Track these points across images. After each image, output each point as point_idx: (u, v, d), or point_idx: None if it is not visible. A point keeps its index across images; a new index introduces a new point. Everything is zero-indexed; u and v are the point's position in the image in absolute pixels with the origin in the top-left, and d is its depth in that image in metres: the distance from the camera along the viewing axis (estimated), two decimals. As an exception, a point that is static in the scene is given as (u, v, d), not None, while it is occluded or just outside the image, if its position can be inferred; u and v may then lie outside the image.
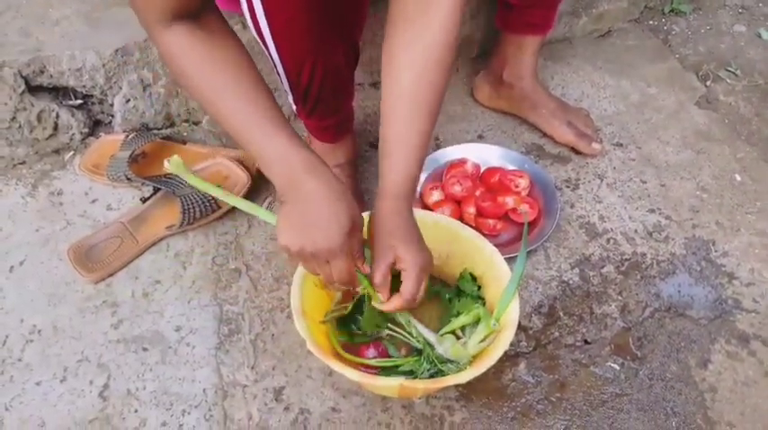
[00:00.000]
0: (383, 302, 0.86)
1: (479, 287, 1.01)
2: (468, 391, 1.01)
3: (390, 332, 0.95)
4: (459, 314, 0.97)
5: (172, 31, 0.77)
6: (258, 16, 0.85)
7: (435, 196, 1.24)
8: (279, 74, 0.99)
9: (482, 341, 0.91)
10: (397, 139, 0.85)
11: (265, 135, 0.78)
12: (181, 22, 0.76)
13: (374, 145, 1.37)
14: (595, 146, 1.34)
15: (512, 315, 0.90)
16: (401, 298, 0.84)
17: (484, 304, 0.99)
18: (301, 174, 0.77)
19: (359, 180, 1.27)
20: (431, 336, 0.93)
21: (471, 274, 1.02)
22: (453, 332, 0.95)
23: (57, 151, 1.31)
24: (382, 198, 0.86)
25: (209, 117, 1.36)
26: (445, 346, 0.92)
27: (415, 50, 0.82)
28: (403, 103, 0.84)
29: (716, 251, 1.21)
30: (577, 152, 1.36)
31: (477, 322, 0.94)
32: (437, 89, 0.84)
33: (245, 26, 1.24)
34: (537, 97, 1.38)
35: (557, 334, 1.09)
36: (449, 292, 1.03)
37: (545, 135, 1.39)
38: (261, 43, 0.92)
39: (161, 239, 1.17)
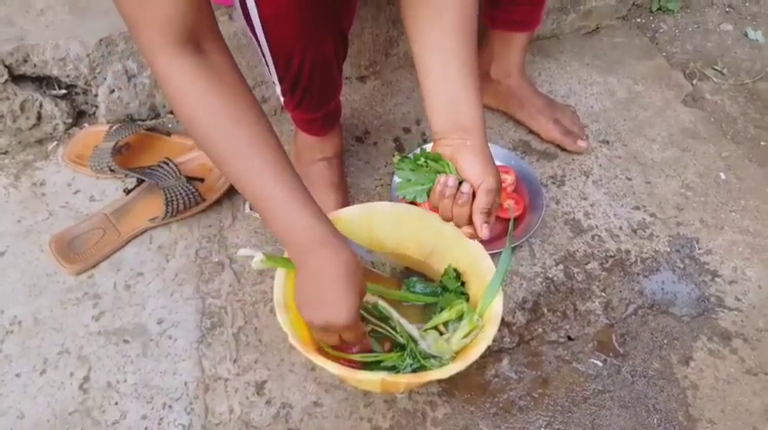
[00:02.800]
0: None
1: (463, 283, 1.01)
2: (450, 387, 1.01)
3: (374, 327, 0.95)
4: (442, 310, 0.97)
5: (178, 65, 0.73)
6: (249, 5, 0.84)
7: (421, 191, 1.24)
8: (267, 64, 0.98)
9: (465, 336, 0.91)
10: (463, 81, 0.86)
11: (281, 202, 0.78)
12: (186, 52, 0.73)
13: (361, 139, 1.37)
14: (581, 143, 1.34)
15: (495, 310, 0.90)
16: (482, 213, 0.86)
17: (468, 300, 0.99)
18: (314, 246, 0.79)
19: (345, 174, 1.26)
20: (414, 332, 0.93)
21: (455, 270, 1.02)
22: (436, 327, 0.95)
23: (40, 141, 1.29)
24: (476, 135, 0.86)
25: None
26: (428, 342, 0.92)
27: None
28: (447, 39, 0.85)
29: (699, 249, 1.21)
30: (563, 149, 1.36)
31: (460, 318, 0.94)
32: (473, 21, 0.86)
33: (231, 17, 1.23)
34: (524, 94, 1.38)
35: (540, 330, 1.09)
36: (432, 287, 1.03)
37: (531, 131, 1.39)
38: (250, 32, 0.91)
39: (144, 231, 1.16)
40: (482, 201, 0.85)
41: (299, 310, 0.83)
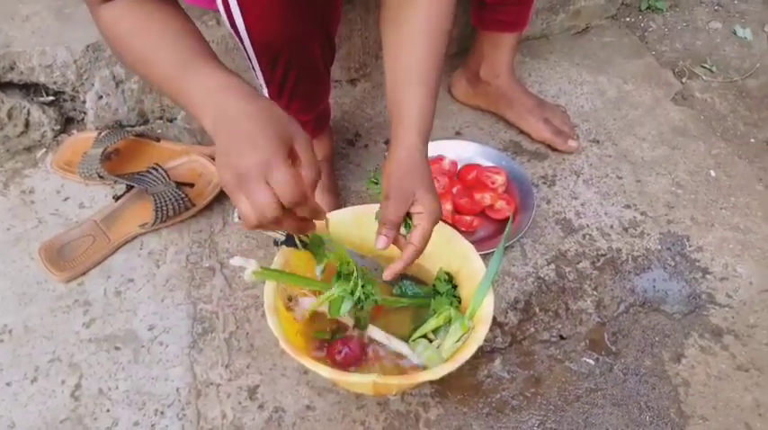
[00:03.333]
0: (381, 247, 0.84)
1: (455, 286, 1.01)
2: (443, 388, 1.01)
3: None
4: (434, 312, 0.97)
5: (110, 4, 0.76)
6: (232, 8, 0.84)
7: (412, 193, 1.24)
8: (254, 68, 0.98)
9: (458, 341, 0.91)
10: (409, 83, 0.86)
11: (189, 76, 0.71)
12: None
13: (351, 142, 1.37)
14: (571, 143, 1.34)
15: (486, 311, 0.90)
16: (412, 246, 0.83)
17: (459, 302, 0.99)
18: (227, 99, 0.68)
19: (336, 176, 1.26)
20: (403, 348, 0.93)
21: (447, 273, 1.02)
22: (425, 336, 0.95)
23: (28, 149, 1.29)
24: (399, 140, 0.86)
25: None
26: (418, 352, 0.92)
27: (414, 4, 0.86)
28: (409, 49, 0.87)
29: (690, 246, 1.22)
30: (554, 149, 1.36)
31: (448, 323, 0.94)
32: (442, 35, 0.88)
33: (219, 22, 1.23)
34: (513, 94, 1.38)
35: (532, 329, 1.09)
36: (424, 290, 1.03)
37: (522, 132, 1.39)
38: (235, 36, 0.91)
39: (134, 237, 1.16)
40: (382, 212, 0.86)
41: (220, 177, 0.67)
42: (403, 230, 0.87)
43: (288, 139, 0.66)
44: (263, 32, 0.89)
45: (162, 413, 0.97)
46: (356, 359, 0.94)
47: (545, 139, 1.36)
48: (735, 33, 1.69)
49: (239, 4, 0.84)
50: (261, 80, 1.01)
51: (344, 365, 0.93)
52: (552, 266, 1.17)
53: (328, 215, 1.01)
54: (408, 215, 0.85)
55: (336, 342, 0.95)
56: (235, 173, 0.64)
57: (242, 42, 0.92)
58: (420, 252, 0.85)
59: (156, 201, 1.13)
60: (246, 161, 0.63)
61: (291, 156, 0.66)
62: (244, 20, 0.86)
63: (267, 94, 1.06)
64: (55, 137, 1.30)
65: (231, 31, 0.90)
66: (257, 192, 0.64)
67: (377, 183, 0.91)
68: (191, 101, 0.71)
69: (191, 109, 0.72)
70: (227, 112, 0.67)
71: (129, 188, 1.19)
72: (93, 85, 1.25)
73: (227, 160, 0.65)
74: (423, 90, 0.87)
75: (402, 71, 0.88)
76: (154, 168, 1.18)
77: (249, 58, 0.96)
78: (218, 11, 0.87)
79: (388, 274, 0.86)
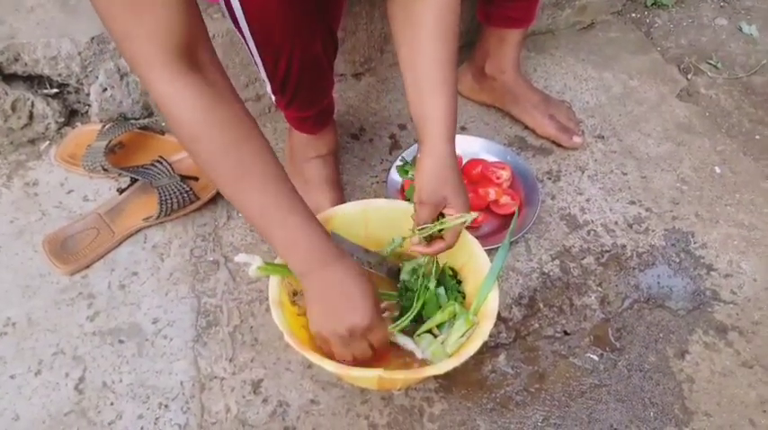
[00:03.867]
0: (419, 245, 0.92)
1: (460, 282, 1.01)
2: (447, 383, 1.01)
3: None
4: (440, 307, 0.97)
5: (178, 87, 0.70)
6: (233, 3, 0.84)
7: (416, 188, 1.23)
8: (256, 63, 0.98)
9: (462, 336, 0.91)
10: (432, 86, 0.88)
11: (283, 220, 0.79)
12: (184, 70, 0.70)
13: (356, 136, 1.36)
14: (576, 139, 1.34)
15: (492, 306, 0.90)
16: (443, 242, 0.90)
17: (464, 298, 0.98)
18: (322, 263, 0.81)
19: (340, 171, 1.26)
20: (408, 342, 0.92)
21: (452, 269, 1.01)
22: (430, 331, 0.95)
23: (32, 141, 1.28)
24: (428, 147, 0.89)
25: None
26: (423, 347, 0.92)
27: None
28: (427, 53, 0.88)
29: (695, 243, 1.21)
30: (559, 145, 1.35)
31: (453, 318, 0.93)
32: (455, 33, 0.89)
33: (224, 15, 1.22)
34: (519, 90, 1.38)
35: (536, 325, 1.09)
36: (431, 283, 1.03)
37: (527, 127, 1.38)
38: (237, 31, 0.91)
39: (138, 231, 1.16)
40: (416, 215, 0.92)
41: (316, 330, 0.85)
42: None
43: (377, 299, 0.83)
44: (264, 26, 0.89)
45: (166, 406, 0.97)
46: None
47: (550, 135, 1.35)
48: (740, 30, 1.68)
49: None
50: (263, 75, 1.01)
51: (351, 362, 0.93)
52: (557, 262, 1.17)
53: (334, 209, 1.01)
54: (441, 215, 0.91)
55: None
56: (335, 331, 0.82)
57: (243, 37, 0.91)
58: (449, 247, 0.92)
59: (160, 194, 1.13)
60: (354, 325, 0.81)
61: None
62: (244, 13, 0.86)
63: (270, 90, 1.06)
64: (59, 129, 1.30)
65: (233, 25, 0.90)
66: (359, 348, 0.84)
67: (407, 172, 1.05)
68: (280, 243, 0.81)
69: (278, 249, 0.83)
70: (327, 272, 0.81)
71: (134, 181, 1.19)
72: (97, 77, 1.24)
73: (330, 318, 0.82)
74: (445, 93, 0.89)
75: (423, 77, 0.89)
76: (158, 161, 1.18)
77: (251, 53, 0.95)
78: (220, 4, 0.87)
79: (411, 249, 0.93)
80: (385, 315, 0.95)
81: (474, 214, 0.91)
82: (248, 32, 0.89)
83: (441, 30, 0.88)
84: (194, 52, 0.71)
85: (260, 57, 0.95)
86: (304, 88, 1.03)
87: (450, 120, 0.89)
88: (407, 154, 1.25)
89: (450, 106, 0.89)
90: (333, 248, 0.82)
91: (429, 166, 0.89)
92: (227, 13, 0.87)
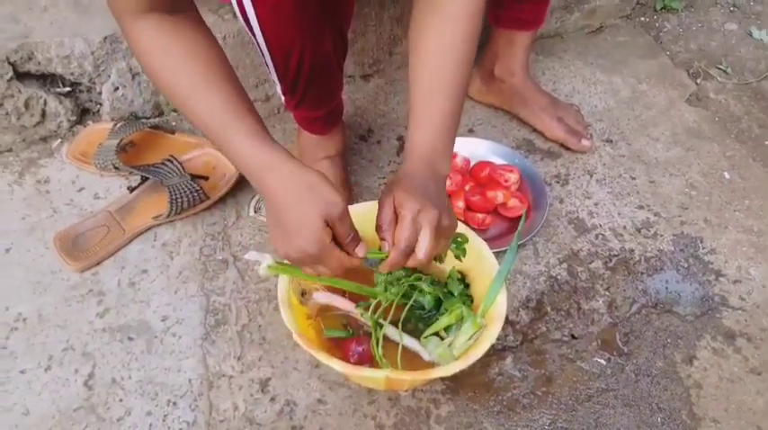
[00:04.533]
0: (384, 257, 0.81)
1: (467, 285, 1.01)
2: (454, 385, 1.01)
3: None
4: (446, 311, 0.97)
5: (142, 24, 0.76)
6: (245, 3, 0.84)
7: (425, 189, 1.24)
8: (267, 64, 0.98)
9: (470, 339, 0.91)
10: (422, 107, 0.86)
11: (230, 137, 0.77)
12: (152, 14, 0.76)
13: (364, 137, 1.37)
14: (585, 143, 1.34)
15: (500, 309, 0.90)
16: (396, 249, 0.79)
17: (472, 301, 0.99)
18: (264, 174, 0.76)
19: (349, 172, 1.26)
20: (415, 344, 0.93)
21: (460, 272, 1.01)
22: (437, 333, 0.95)
23: (44, 139, 1.29)
24: (404, 162, 0.86)
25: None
26: (430, 349, 0.92)
27: (439, 22, 0.84)
28: (427, 72, 0.85)
29: (704, 248, 1.21)
30: (567, 148, 1.36)
31: (460, 321, 0.94)
32: (463, 59, 0.86)
33: (236, 16, 1.23)
34: (528, 93, 1.38)
35: (544, 328, 1.09)
36: (437, 289, 1.03)
37: (535, 130, 1.38)
38: (248, 31, 0.91)
39: (148, 229, 1.16)
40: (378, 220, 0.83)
41: (273, 245, 0.79)
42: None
43: (328, 217, 0.74)
44: (276, 27, 0.89)
45: (174, 404, 0.97)
46: (370, 358, 0.94)
47: (558, 138, 1.35)
48: (750, 35, 1.68)
49: None
50: (274, 76, 1.02)
51: (358, 364, 0.93)
52: (564, 266, 1.17)
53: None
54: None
55: (351, 341, 0.95)
56: (289, 256, 0.78)
57: (254, 37, 0.92)
58: (406, 252, 0.80)
59: (170, 192, 1.14)
60: (296, 249, 0.76)
61: (328, 223, 0.75)
62: (256, 13, 0.86)
63: (280, 90, 1.06)
64: (71, 127, 1.31)
65: (244, 25, 0.90)
66: (312, 270, 0.80)
67: None
68: (235, 163, 0.80)
69: (229, 158, 0.81)
70: (267, 189, 0.76)
71: (144, 179, 1.20)
72: (109, 76, 1.25)
73: (280, 241, 0.78)
74: (438, 111, 0.85)
75: (420, 85, 0.86)
76: (169, 160, 1.19)
77: (262, 53, 0.96)
78: (232, 3, 0.87)
79: (383, 268, 0.83)
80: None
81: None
82: (259, 33, 0.89)
83: (455, 45, 0.85)
84: (167, 8, 0.77)
85: (270, 57, 0.95)
86: (314, 89, 1.03)
87: (435, 143, 0.85)
88: None
89: (440, 127, 0.86)
90: (283, 158, 0.76)
91: (406, 178, 0.82)
92: (238, 14, 0.88)
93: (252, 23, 0.88)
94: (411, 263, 0.81)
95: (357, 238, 0.80)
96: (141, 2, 0.75)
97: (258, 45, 0.93)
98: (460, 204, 1.21)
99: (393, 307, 0.94)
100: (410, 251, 0.80)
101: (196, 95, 0.78)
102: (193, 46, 0.79)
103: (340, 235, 0.77)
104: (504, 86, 1.39)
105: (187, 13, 0.80)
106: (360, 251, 0.80)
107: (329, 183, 0.76)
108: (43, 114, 1.26)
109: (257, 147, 0.77)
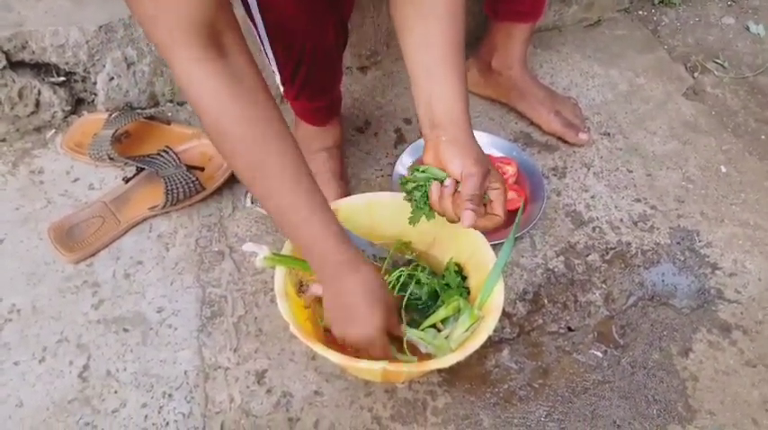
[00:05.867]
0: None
1: (464, 278, 1.01)
2: (451, 377, 1.01)
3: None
4: (443, 303, 0.97)
5: (201, 71, 0.70)
6: None
7: (422, 182, 1.23)
8: (266, 53, 0.98)
9: (466, 330, 0.91)
10: (445, 74, 0.85)
11: (304, 218, 0.79)
12: (209, 53, 0.69)
13: (361, 129, 1.36)
14: (582, 136, 1.34)
15: (496, 301, 0.90)
16: (498, 217, 0.86)
17: (469, 294, 0.98)
18: (343, 269, 0.82)
19: (345, 164, 1.26)
20: (412, 336, 0.92)
21: (457, 264, 1.01)
22: (434, 325, 0.95)
23: (38, 129, 1.28)
24: (446, 130, 0.85)
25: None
26: (427, 341, 0.92)
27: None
28: (434, 39, 0.85)
29: (700, 241, 1.21)
30: (565, 141, 1.35)
31: (457, 313, 0.93)
32: (463, 19, 0.87)
33: (237, 4, 1.22)
34: (525, 86, 1.37)
35: (540, 321, 1.09)
36: (435, 281, 1.03)
37: (533, 123, 1.38)
38: (249, 20, 0.91)
39: (144, 220, 1.16)
40: (464, 188, 0.83)
41: (326, 320, 0.89)
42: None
43: (388, 318, 0.85)
44: (278, 16, 0.88)
45: (170, 395, 0.97)
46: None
47: (556, 132, 1.35)
48: (748, 29, 1.68)
49: None
50: (273, 66, 1.01)
51: (356, 355, 0.93)
52: (561, 258, 1.17)
53: (339, 202, 1.01)
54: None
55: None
56: (343, 338, 0.86)
57: (256, 26, 0.91)
58: (501, 222, 0.88)
59: (166, 183, 1.13)
60: (357, 339, 0.84)
61: (386, 323, 0.85)
62: (258, 3, 0.86)
63: (279, 80, 1.05)
64: (65, 117, 1.29)
65: (245, 13, 0.90)
66: (360, 352, 0.87)
67: (406, 184, 0.91)
68: (298, 238, 0.83)
69: (298, 247, 0.86)
70: (343, 281, 0.83)
71: (140, 170, 1.19)
72: (104, 66, 1.24)
73: (339, 325, 0.86)
74: (461, 78, 0.86)
75: (435, 61, 0.86)
76: (164, 151, 1.18)
77: (261, 42, 0.95)
78: None
79: (466, 222, 0.83)
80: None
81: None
82: (261, 21, 0.89)
83: (452, 15, 0.85)
84: (219, 37, 0.70)
85: (271, 46, 0.95)
86: (314, 79, 1.03)
87: (467, 103, 0.87)
88: (406, 155, 1.25)
89: (465, 91, 0.87)
90: (357, 258, 0.83)
91: (464, 140, 0.85)
92: (239, 1, 0.87)
93: (253, 12, 0.87)
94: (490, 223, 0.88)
95: (399, 327, 0.90)
96: (189, 30, 0.67)
97: (258, 34, 0.93)
98: (458, 197, 1.20)
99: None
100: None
101: (264, 173, 0.76)
102: (254, 109, 0.74)
103: (391, 327, 0.88)
104: (501, 79, 1.38)
105: (243, 53, 0.73)
106: (402, 330, 0.91)
107: (386, 287, 0.87)
108: (37, 104, 1.24)
109: (336, 244, 0.81)
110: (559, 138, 1.36)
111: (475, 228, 0.84)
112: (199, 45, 0.68)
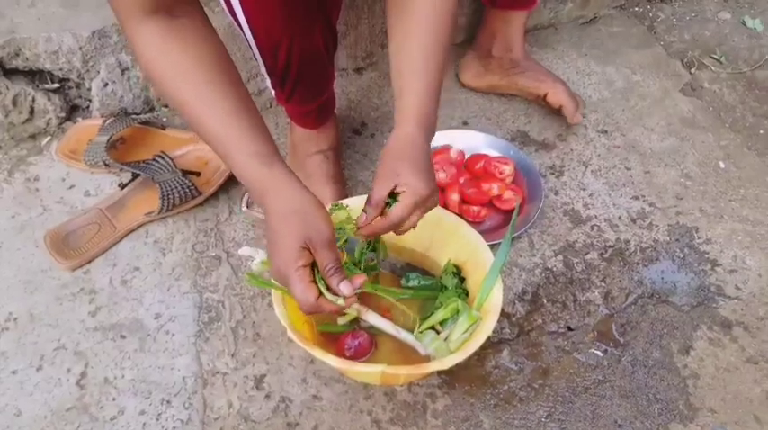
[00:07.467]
0: (361, 227, 0.83)
1: (462, 279, 1.00)
2: (450, 378, 1.00)
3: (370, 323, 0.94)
4: (441, 305, 0.96)
5: (144, 29, 0.74)
6: None
7: (419, 183, 1.23)
8: (256, 57, 0.97)
9: (465, 331, 0.90)
10: (411, 72, 0.85)
11: (234, 155, 0.77)
12: (156, 17, 0.74)
13: (357, 131, 1.36)
14: (579, 116, 1.32)
15: (495, 301, 0.89)
16: (386, 219, 0.81)
17: (467, 295, 0.98)
18: (263, 194, 0.77)
19: (342, 166, 1.25)
20: (409, 337, 0.92)
21: (455, 266, 1.01)
22: (433, 327, 0.94)
23: (33, 136, 1.28)
24: (396, 127, 0.85)
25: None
26: (426, 343, 0.91)
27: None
28: (413, 37, 0.85)
29: (699, 238, 1.21)
30: (562, 138, 1.35)
31: (455, 314, 0.93)
32: (446, 20, 0.86)
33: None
34: (527, 64, 1.39)
35: (540, 321, 1.08)
36: (431, 282, 1.02)
37: (530, 121, 1.38)
38: (236, 25, 0.90)
39: (140, 226, 1.15)
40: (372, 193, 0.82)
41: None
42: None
43: (309, 243, 0.74)
44: (262, 18, 0.88)
45: (168, 402, 0.96)
46: (365, 353, 0.93)
47: (560, 101, 1.32)
48: (744, 24, 1.67)
49: None
50: (263, 69, 1.00)
51: (354, 359, 0.92)
52: (560, 257, 1.16)
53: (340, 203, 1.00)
54: (393, 195, 0.82)
55: (346, 335, 0.94)
56: (272, 274, 0.79)
57: (242, 30, 0.91)
58: (393, 226, 0.82)
59: (162, 189, 1.13)
60: (274, 268, 0.77)
61: (305, 250, 0.75)
62: (242, 6, 0.85)
63: (270, 84, 1.05)
64: (60, 124, 1.29)
65: (231, 18, 0.89)
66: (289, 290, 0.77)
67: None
68: (239, 178, 0.80)
69: (230, 169, 0.81)
70: (268, 218, 0.77)
71: (135, 176, 1.18)
72: (98, 72, 1.24)
73: (269, 254, 0.79)
74: (424, 80, 0.85)
75: (405, 64, 0.86)
76: (160, 156, 1.17)
77: (250, 47, 0.95)
78: None
79: (363, 231, 0.84)
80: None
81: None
82: (246, 26, 0.88)
83: (431, 21, 0.85)
84: (170, 6, 0.75)
85: (259, 50, 0.94)
86: (304, 82, 1.02)
87: (424, 106, 0.84)
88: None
89: (427, 93, 0.85)
90: (275, 180, 0.77)
91: (391, 144, 0.84)
92: (224, 7, 0.87)
93: (239, 16, 0.87)
94: (383, 231, 0.83)
95: (341, 273, 0.76)
96: (144, 2, 0.73)
97: (246, 38, 0.92)
98: (455, 197, 1.20)
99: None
100: (395, 226, 0.82)
101: (200, 107, 0.77)
102: (197, 52, 0.77)
103: (319, 262, 0.76)
104: (502, 61, 1.39)
105: (192, 15, 0.78)
106: (344, 288, 0.76)
107: (321, 210, 0.77)
108: (32, 111, 1.24)
109: (258, 167, 0.76)
110: (557, 137, 1.35)
111: (367, 234, 0.84)
112: (147, 11, 0.74)
